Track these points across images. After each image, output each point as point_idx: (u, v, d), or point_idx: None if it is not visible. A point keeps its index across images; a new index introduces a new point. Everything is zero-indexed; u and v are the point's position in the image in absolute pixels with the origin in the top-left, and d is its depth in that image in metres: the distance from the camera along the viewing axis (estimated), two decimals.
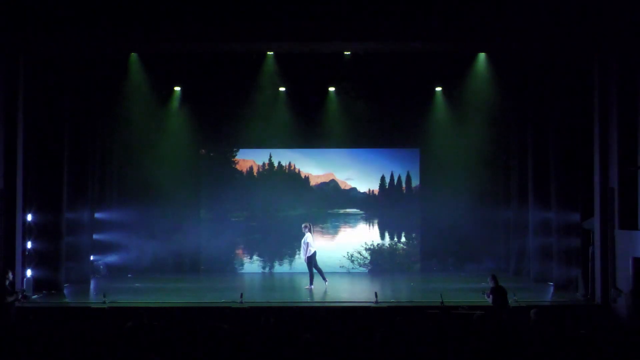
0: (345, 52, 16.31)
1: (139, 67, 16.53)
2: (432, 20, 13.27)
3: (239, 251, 19.01)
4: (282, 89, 18.12)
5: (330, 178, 19.30)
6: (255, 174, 19.17)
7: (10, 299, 12.05)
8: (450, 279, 17.09)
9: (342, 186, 19.28)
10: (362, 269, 18.89)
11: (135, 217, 18.29)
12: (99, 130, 17.48)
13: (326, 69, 17.06)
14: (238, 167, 19.21)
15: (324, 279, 15.72)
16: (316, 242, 16.16)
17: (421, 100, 18.33)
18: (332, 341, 8.66)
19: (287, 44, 14.28)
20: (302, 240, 15.77)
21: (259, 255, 18.99)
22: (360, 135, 18.47)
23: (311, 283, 15.58)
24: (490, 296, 11.92)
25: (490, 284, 12.07)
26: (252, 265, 18.94)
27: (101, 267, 17.90)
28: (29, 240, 14.68)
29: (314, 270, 15.76)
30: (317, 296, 15.18)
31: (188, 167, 18.83)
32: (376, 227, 19.18)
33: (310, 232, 15.79)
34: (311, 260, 15.74)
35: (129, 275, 17.72)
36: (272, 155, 19.11)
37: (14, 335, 9.41)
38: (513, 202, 18.31)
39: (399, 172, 19.12)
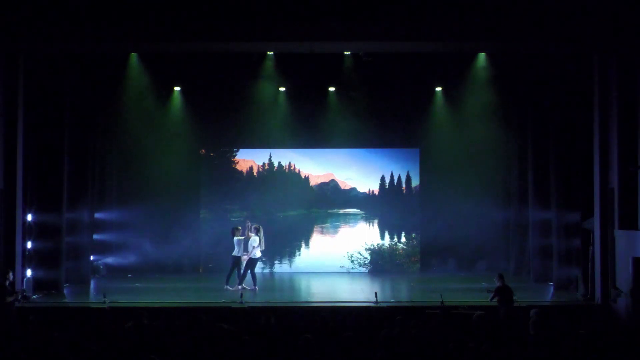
0: (345, 52, 16.34)
1: (139, 67, 16.53)
2: (432, 21, 13.26)
3: None
4: (282, 89, 18.12)
5: (330, 178, 19.29)
6: (255, 174, 19.16)
7: (10, 299, 12.05)
8: (450, 279, 17.08)
9: (342, 186, 19.28)
10: (362, 269, 18.88)
11: (135, 217, 18.28)
12: (98, 130, 17.48)
13: (326, 69, 17.06)
14: (238, 167, 19.20)
15: (254, 285, 15.27)
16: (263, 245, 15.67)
17: (421, 100, 18.33)
18: (332, 341, 8.67)
19: (287, 44, 14.27)
20: (249, 242, 15.33)
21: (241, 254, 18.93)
22: (360, 135, 18.42)
23: (255, 284, 15.25)
24: (493, 295, 11.91)
25: (497, 283, 12.06)
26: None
27: (101, 267, 17.90)
28: (29, 240, 14.68)
29: (244, 272, 15.33)
30: (317, 296, 15.18)
31: (188, 167, 18.82)
32: (376, 227, 19.17)
33: (260, 235, 15.40)
34: (253, 264, 15.38)
35: (129, 275, 17.71)
36: (272, 155, 19.10)
37: (14, 335, 9.42)
38: (513, 202, 18.31)
39: (399, 172, 19.11)
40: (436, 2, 13.17)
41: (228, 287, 15.14)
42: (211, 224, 18.86)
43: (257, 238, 15.35)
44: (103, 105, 17.39)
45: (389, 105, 18.18)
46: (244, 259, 15.48)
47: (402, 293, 15.88)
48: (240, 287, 15.09)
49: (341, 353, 8.24)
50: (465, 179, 18.24)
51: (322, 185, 19.28)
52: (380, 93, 18.01)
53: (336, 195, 19.21)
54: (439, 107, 18.44)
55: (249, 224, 15.69)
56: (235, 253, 15.46)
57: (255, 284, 15.25)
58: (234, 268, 15.45)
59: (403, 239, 19.07)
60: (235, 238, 15.49)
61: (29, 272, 14.52)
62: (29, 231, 14.66)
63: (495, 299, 11.94)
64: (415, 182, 19.05)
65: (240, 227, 15.76)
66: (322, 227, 19.12)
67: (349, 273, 18.62)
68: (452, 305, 12.34)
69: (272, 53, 16.49)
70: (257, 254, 15.44)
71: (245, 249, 15.51)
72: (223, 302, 13.63)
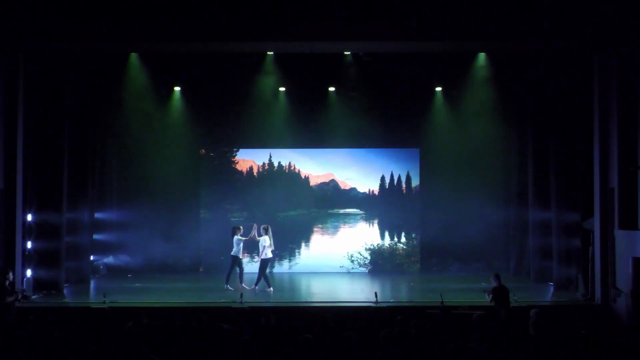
0: (345, 52, 16.34)
1: (139, 67, 16.55)
2: (432, 21, 13.26)
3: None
4: (282, 89, 18.13)
5: (330, 178, 19.29)
6: (255, 174, 19.16)
7: (10, 299, 12.05)
8: (450, 279, 17.08)
9: (342, 186, 19.27)
10: (362, 269, 18.88)
11: (135, 217, 18.28)
12: (99, 130, 17.48)
13: (326, 69, 17.07)
14: (238, 167, 19.20)
15: (269, 285, 15.21)
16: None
17: (421, 100, 18.32)
18: (332, 341, 8.66)
19: (287, 44, 14.28)
20: (260, 243, 15.35)
21: (258, 256, 18.96)
22: (360, 135, 18.41)
23: (256, 284, 15.25)
24: (490, 295, 11.92)
25: (494, 283, 12.07)
26: (252, 265, 18.90)
27: (101, 267, 17.90)
28: (29, 240, 14.68)
29: (259, 274, 15.31)
30: (317, 296, 15.18)
31: (188, 167, 18.81)
32: (376, 227, 19.17)
33: (269, 235, 15.35)
34: (265, 265, 15.35)
35: (129, 275, 17.72)
36: (272, 155, 19.10)
37: (14, 335, 9.41)
38: (513, 202, 18.30)
39: (399, 172, 19.10)
40: (436, 2, 13.18)
41: (228, 286, 15.14)
42: (211, 224, 18.85)
43: (267, 238, 15.31)
44: (103, 106, 17.40)
45: (389, 105, 18.17)
46: (246, 257, 15.51)
47: (402, 293, 15.89)
48: (256, 287, 15.18)
49: (341, 353, 8.24)
50: (465, 179, 18.24)
51: (322, 185, 19.27)
52: (380, 93, 18.01)
53: (336, 195, 19.21)
54: (439, 107, 18.43)
55: (256, 226, 15.65)
56: (234, 252, 15.46)
57: (256, 285, 15.24)
58: (233, 267, 15.46)
59: (403, 239, 19.07)
60: (235, 237, 15.48)
61: (29, 272, 14.52)
62: (29, 231, 14.66)
63: (492, 299, 11.94)
64: (415, 182, 19.04)
65: (241, 227, 15.74)
66: (322, 227, 19.11)
67: (349, 273, 18.62)
68: (452, 305, 12.34)
69: (272, 53, 16.50)
70: (269, 254, 15.39)
71: (245, 250, 15.51)
72: (223, 302, 13.64)
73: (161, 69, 16.86)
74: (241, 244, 15.50)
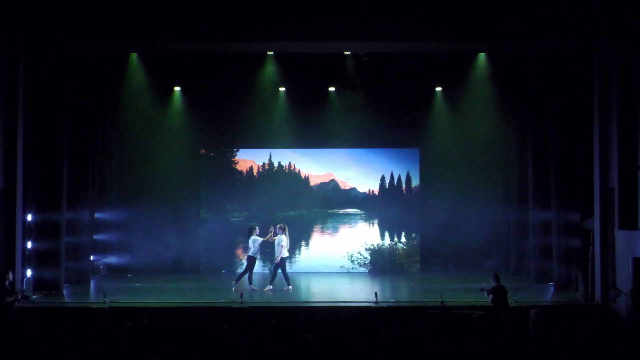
0: (345, 52, 16.34)
1: (139, 67, 16.55)
2: (432, 21, 13.27)
3: (239, 251, 18.99)
4: (282, 89, 18.13)
5: (330, 178, 19.29)
6: (255, 174, 19.16)
7: (10, 299, 12.06)
8: (450, 279, 17.07)
9: (342, 186, 19.27)
10: (362, 269, 18.88)
11: (135, 217, 18.30)
12: (99, 130, 17.49)
13: (326, 69, 17.08)
14: (238, 167, 19.20)
15: (270, 282, 15.36)
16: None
17: (421, 100, 18.32)
18: (332, 341, 8.67)
19: (287, 44, 14.28)
20: (276, 242, 15.43)
21: (258, 256, 18.96)
22: (360, 135, 18.41)
23: (288, 283, 15.38)
24: (490, 295, 11.93)
25: (492, 283, 12.08)
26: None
27: (101, 267, 17.90)
28: (29, 240, 14.68)
29: (280, 273, 15.46)
30: (317, 296, 15.18)
31: (188, 167, 18.82)
32: (376, 227, 19.16)
33: (286, 234, 15.42)
34: (284, 263, 15.46)
35: (129, 275, 17.72)
36: (272, 155, 19.10)
37: (14, 335, 9.42)
38: (513, 202, 18.30)
39: (399, 172, 19.10)
40: (436, 2, 13.18)
41: (235, 283, 15.21)
42: (211, 224, 18.85)
43: (284, 237, 15.37)
44: (103, 106, 17.41)
45: (389, 105, 18.15)
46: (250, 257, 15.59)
47: (402, 293, 15.88)
48: (270, 286, 15.25)
49: (341, 353, 8.24)
50: (465, 179, 18.26)
51: (322, 185, 19.27)
52: (380, 93, 18.00)
53: (336, 195, 19.20)
54: (439, 107, 18.43)
55: (272, 228, 15.66)
56: (251, 253, 15.51)
57: (289, 283, 15.31)
58: (249, 268, 15.48)
59: (403, 239, 19.06)
60: (252, 237, 15.51)
61: (29, 272, 14.52)
62: (29, 231, 14.66)
63: (490, 298, 11.95)
64: (415, 182, 19.04)
65: (257, 227, 15.77)
66: (322, 227, 19.11)
67: (349, 273, 18.62)
68: (452, 305, 12.34)
69: (272, 53, 16.51)
70: (285, 253, 15.46)
71: (257, 250, 15.58)
72: (223, 302, 13.63)
73: (161, 69, 16.85)
74: (258, 244, 15.52)
